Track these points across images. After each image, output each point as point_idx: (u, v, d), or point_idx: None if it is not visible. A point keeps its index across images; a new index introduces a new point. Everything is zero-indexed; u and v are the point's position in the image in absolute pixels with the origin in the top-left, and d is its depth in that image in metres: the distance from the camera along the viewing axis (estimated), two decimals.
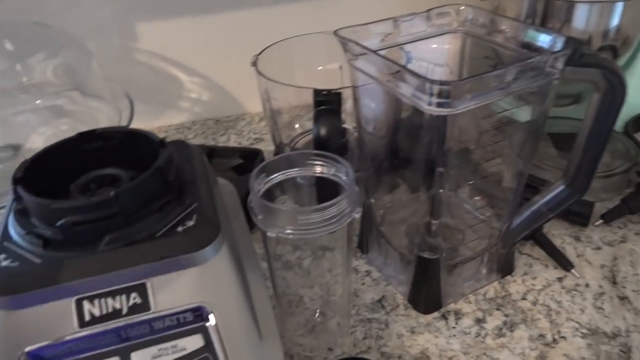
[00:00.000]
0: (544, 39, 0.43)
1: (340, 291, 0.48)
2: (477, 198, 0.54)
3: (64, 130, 0.69)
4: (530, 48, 0.44)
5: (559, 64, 0.41)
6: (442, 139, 0.44)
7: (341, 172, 0.42)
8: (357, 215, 0.39)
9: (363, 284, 0.53)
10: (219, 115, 0.86)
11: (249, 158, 0.69)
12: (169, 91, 0.83)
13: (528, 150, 0.48)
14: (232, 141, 0.79)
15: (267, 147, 0.75)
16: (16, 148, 0.67)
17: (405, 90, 0.40)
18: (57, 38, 0.72)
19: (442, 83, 0.36)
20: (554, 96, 0.43)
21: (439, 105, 0.37)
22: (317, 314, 0.49)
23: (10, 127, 0.68)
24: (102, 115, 0.70)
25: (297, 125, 0.68)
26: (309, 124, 0.68)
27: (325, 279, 0.49)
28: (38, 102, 0.71)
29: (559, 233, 0.57)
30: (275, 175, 0.43)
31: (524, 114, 0.47)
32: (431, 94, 0.37)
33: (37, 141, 0.70)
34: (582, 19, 0.60)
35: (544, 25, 0.62)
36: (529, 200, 0.52)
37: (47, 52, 0.70)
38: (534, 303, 0.49)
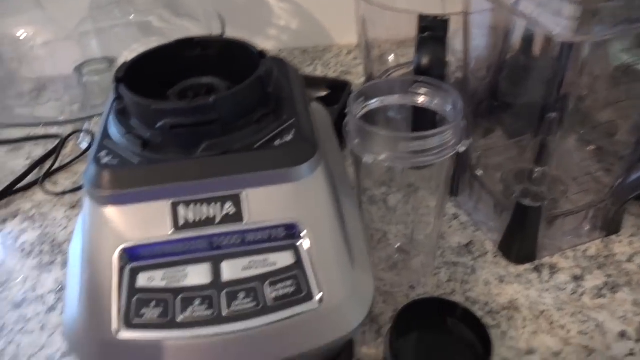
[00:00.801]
0: None
1: (428, 230, 0.45)
2: (590, 148, 0.49)
3: None
4: None
5: None
6: (562, 77, 0.40)
7: (447, 102, 0.38)
8: (463, 149, 0.36)
9: (450, 227, 0.50)
10: (306, 45, 0.83)
11: (337, 90, 0.66)
12: (258, 16, 0.81)
13: None
14: (319, 72, 0.77)
15: (354, 80, 0.72)
16: (111, 61, 0.68)
17: (532, 11, 0.36)
18: None
19: (581, 2, 0.32)
20: None
21: (575, 31, 0.33)
22: (400, 252, 0.48)
23: (106, 41, 0.69)
24: (192, 35, 0.69)
25: (390, 58, 0.64)
26: (403, 59, 0.65)
27: (410, 218, 0.47)
28: (131, 17, 0.71)
29: None
30: (374, 100, 0.40)
31: None
32: (559, 16, 0.33)
33: (130, 57, 0.71)
34: None
35: None
36: None
37: None
38: None
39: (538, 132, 0.44)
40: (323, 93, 0.67)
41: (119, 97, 0.33)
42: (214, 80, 0.37)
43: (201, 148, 0.31)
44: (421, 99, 0.40)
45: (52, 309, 0.45)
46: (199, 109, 0.31)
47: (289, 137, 0.32)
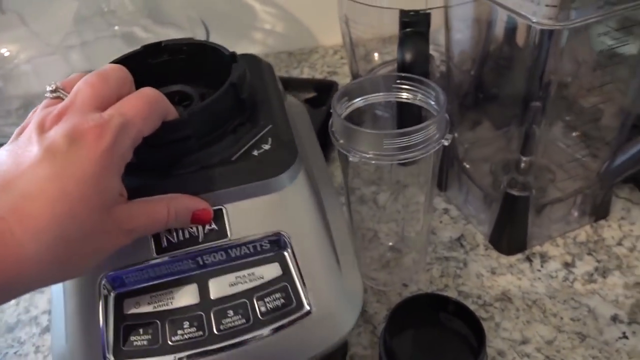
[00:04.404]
0: None
1: (418, 227, 0.46)
2: (575, 134, 0.49)
3: None
4: None
5: None
6: (544, 64, 0.40)
7: (430, 98, 0.39)
8: (447, 143, 0.36)
9: (441, 221, 0.50)
10: (292, 48, 0.83)
11: (323, 91, 0.66)
12: (243, 21, 0.81)
13: (636, 88, 0.43)
14: (306, 74, 0.77)
15: (341, 80, 0.72)
16: None
17: (509, 3, 0.36)
18: None
19: None
20: None
21: (550, 18, 0.33)
22: (392, 250, 0.48)
23: (91, 53, 0.69)
24: None
25: (376, 55, 0.64)
26: (388, 56, 0.65)
27: (400, 215, 0.47)
28: (116, 28, 0.71)
29: None
30: (358, 99, 0.40)
31: (630, 47, 0.41)
32: (538, 3, 0.33)
33: None
34: None
35: None
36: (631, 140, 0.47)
37: None
38: (631, 249, 0.45)
39: (522, 121, 0.45)
40: (310, 95, 0.67)
41: None
42: (186, 87, 0.35)
43: (178, 166, 0.31)
44: (405, 95, 0.40)
45: (45, 330, 0.45)
46: (170, 126, 0.30)
47: (267, 146, 0.32)
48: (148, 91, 0.29)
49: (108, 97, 0.27)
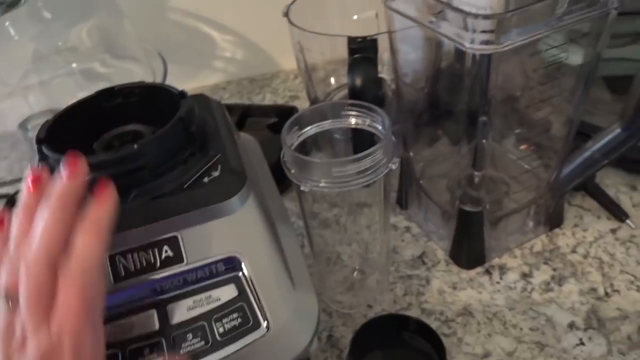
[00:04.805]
0: None
1: (378, 248, 0.46)
2: (523, 147, 0.51)
3: None
4: None
5: None
6: (485, 84, 0.42)
7: (377, 122, 0.40)
8: (394, 166, 0.37)
9: (402, 240, 0.51)
10: (253, 74, 0.84)
11: (285, 116, 0.66)
12: (203, 50, 0.82)
13: (580, 96, 0.45)
14: (268, 100, 0.78)
15: (302, 104, 0.73)
16: (56, 112, 0.67)
17: (447, 30, 0.37)
18: (91, 0, 0.71)
19: (486, 17, 0.33)
20: (609, 35, 0.40)
21: (483, 42, 0.34)
22: (356, 272, 0.48)
23: (50, 92, 0.69)
24: (136, 77, 0.70)
25: (332, 80, 0.66)
26: (345, 79, 0.66)
27: (363, 236, 0.48)
28: (74, 65, 0.71)
29: (612, 182, 0.53)
30: (308, 127, 0.41)
31: (574, 57, 0.43)
32: (474, 31, 0.34)
33: None
34: None
35: None
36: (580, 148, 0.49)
37: (81, 15, 0.70)
38: (585, 256, 0.46)
39: (473, 137, 0.46)
40: (272, 121, 0.68)
41: (43, 158, 0.33)
42: (139, 126, 0.37)
43: (131, 196, 0.31)
44: (354, 121, 0.41)
45: None
46: (124, 159, 0.31)
47: (216, 173, 0.33)
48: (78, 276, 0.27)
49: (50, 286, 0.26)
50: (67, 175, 0.28)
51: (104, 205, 0.28)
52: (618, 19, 0.39)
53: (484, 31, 0.35)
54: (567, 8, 0.35)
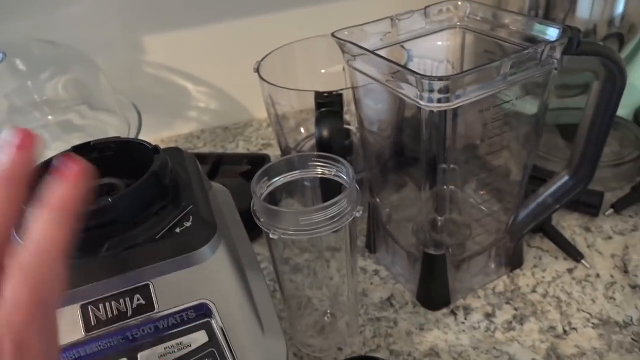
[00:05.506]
0: (544, 31, 0.43)
1: (347, 291, 0.48)
2: (482, 192, 0.54)
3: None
4: (534, 40, 0.44)
5: (557, 54, 0.41)
6: (443, 135, 0.44)
7: (342, 173, 0.42)
8: (359, 214, 0.39)
9: (372, 283, 0.53)
10: (227, 123, 0.87)
11: (257, 164, 0.69)
12: (177, 102, 0.85)
13: (532, 142, 0.48)
14: (241, 148, 0.80)
15: (275, 152, 0.76)
16: None
17: (405, 88, 0.40)
18: (66, 55, 0.73)
19: (439, 79, 0.36)
20: (554, 87, 0.43)
21: (438, 101, 0.37)
22: (327, 315, 0.50)
23: None
24: (112, 128, 0.71)
25: (302, 130, 0.68)
26: (314, 128, 0.69)
27: (333, 281, 0.50)
28: (50, 118, 0.72)
29: (569, 225, 0.56)
30: (277, 178, 0.43)
31: (527, 106, 0.47)
32: (430, 91, 0.37)
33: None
34: (586, 8, 0.60)
35: (547, 16, 0.62)
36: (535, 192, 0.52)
37: (56, 69, 0.72)
38: (544, 295, 0.49)
39: (434, 183, 0.48)
40: (244, 169, 0.70)
41: None
42: (114, 180, 0.38)
43: (105, 248, 0.32)
44: (320, 171, 0.44)
45: None
46: (98, 212, 0.32)
47: (188, 224, 0.35)
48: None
49: None
50: (19, 144, 0.24)
51: (70, 184, 0.25)
52: (569, 72, 0.43)
53: (438, 90, 0.38)
54: (512, 68, 0.38)
